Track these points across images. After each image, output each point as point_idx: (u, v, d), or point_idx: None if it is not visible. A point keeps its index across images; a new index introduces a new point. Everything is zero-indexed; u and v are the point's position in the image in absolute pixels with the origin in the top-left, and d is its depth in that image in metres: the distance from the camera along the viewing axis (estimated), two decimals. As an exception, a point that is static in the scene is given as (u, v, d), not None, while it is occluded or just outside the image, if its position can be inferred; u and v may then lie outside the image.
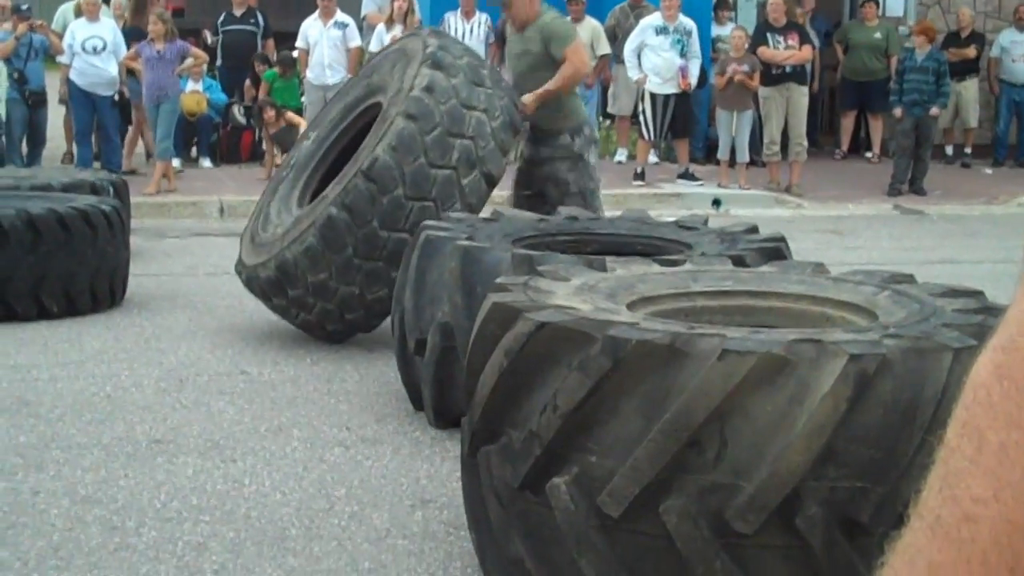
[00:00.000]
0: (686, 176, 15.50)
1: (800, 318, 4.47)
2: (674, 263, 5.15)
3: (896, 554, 0.91)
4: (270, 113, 15.33)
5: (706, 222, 6.80)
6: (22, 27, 14.97)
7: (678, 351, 3.55)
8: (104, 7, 15.80)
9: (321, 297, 7.31)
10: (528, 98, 7.99)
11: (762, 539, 3.52)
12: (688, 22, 15.26)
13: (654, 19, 15.28)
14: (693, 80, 15.25)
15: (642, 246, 6.41)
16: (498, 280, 4.49)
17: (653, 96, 15.09)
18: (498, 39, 15.96)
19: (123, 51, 15.02)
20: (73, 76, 14.85)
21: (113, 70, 14.90)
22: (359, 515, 4.97)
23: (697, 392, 3.48)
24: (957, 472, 0.88)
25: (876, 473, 3.49)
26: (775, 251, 5.91)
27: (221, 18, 17.19)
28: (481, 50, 15.73)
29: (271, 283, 7.47)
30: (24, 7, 15.35)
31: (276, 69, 16.26)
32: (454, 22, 16.38)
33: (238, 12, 17.09)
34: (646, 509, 3.57)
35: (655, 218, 7.13)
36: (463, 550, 4.55)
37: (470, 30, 16.24)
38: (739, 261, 5.42)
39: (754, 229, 6.39)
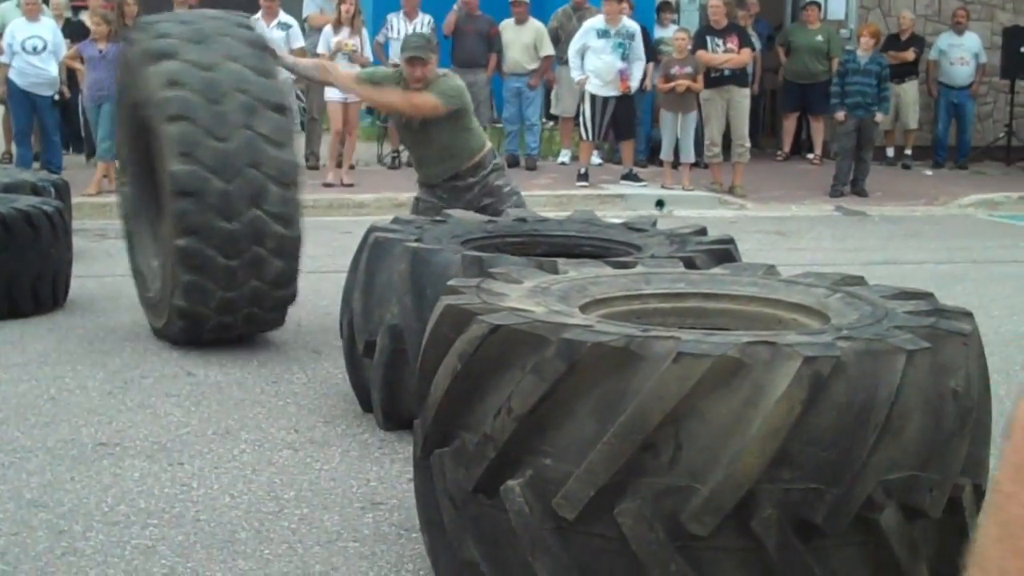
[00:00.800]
0: (630, 177, 15.55)
1: (753, 320, 4.48)
2: (625, 265, 5.16)
3: None
4: None
5: (655, 224, 6.81)
6: None
7: (633, 354, 3.55)
8: (44, 7, 15.64)
9: (233, 311, 7.30)
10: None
11: (717, 541, 3.53)
12: (631, 25, 15.29)
13: (596, 22, 15.31)
14: (634, 83, 15.29)
15: (591, 247, 6.42)
16: (450, 283, 4.47)
17: (593, 97, 15.14)
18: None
19: (63, 51, 14.87)
20: (12, 76, 14.69)
21: (53, 70, 14.76)
22: (309, 517, 4.94)
23: (652, 395, 3.48)
24: (1017, 520, 0.83)
25: (830, 475, 3.51)
26: (724, 253, 5.93)
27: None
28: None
29: (189, 331, 7.45)
30: None
31: None
32: (397, 23, 16.37)
33: (180, 7, 16.93)
34: (601, 512, 3.57)
35: (603, 219, 7.13)
36: (415, 552, 4.54)
37: (413, 30, 16.23)
38: (689, 263, 5.44)
39: (703, 231, 6.41)
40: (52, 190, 9.76)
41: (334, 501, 5.13)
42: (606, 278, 4.73)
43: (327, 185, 14.99)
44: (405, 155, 16.66)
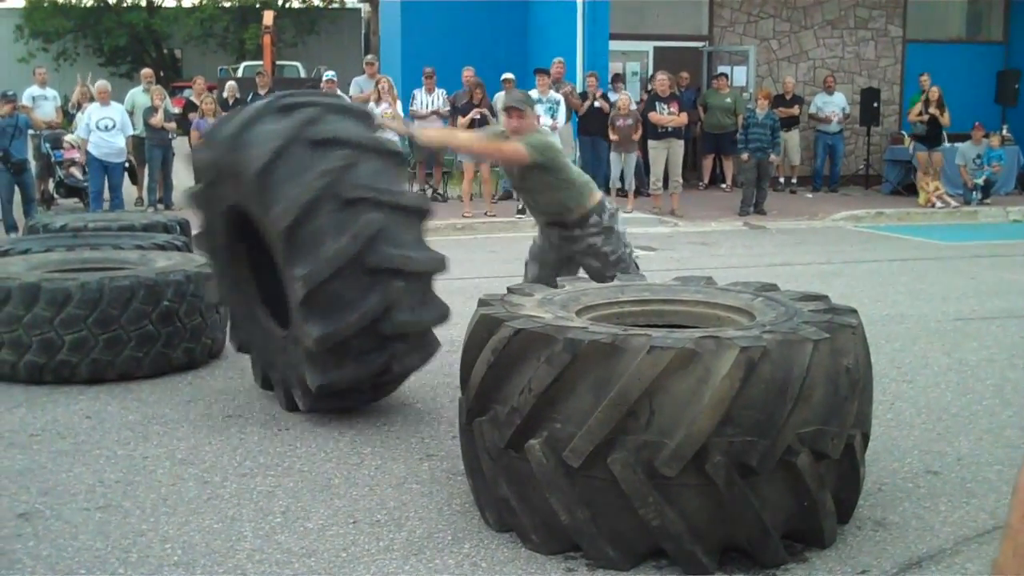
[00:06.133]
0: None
1: (699, 318, 4.54)
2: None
3: None
4: None
5: None
6: (6, 108, 13.20)
7: (618, 347, 3.62)
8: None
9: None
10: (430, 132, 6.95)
11: (682, 480, 3.60)
12: (556, 95, 15.31)
13: (533, 93, 15.33)
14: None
15: None
16: (481, 297, 4.51)
17: None
18: (451, 109, 16.00)
19: (129, 129, 14.59)
20: (90, 148, 14.33)
21: (120, 143, 14.47)
22: (383, 467, 4.98)
23: (632, 376, 3.55)
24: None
25: (761, 430, 3.58)
26: None
27: (250, 96, 17.05)
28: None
29: None
30: (10, 93, 13.64)
31: None
32: (420, 96, 16.40)
33: (262, 91, 16.97)
34: (598, 460, 3.64)
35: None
36: (462, 491, 4.58)
37: (431, 101, 16.28)
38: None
39: None
40: (178, 227, 9.74)
41: (400, 454, 5.16)
42: (592, 290, 4.79)
43: (465, 216, 14.79)
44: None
